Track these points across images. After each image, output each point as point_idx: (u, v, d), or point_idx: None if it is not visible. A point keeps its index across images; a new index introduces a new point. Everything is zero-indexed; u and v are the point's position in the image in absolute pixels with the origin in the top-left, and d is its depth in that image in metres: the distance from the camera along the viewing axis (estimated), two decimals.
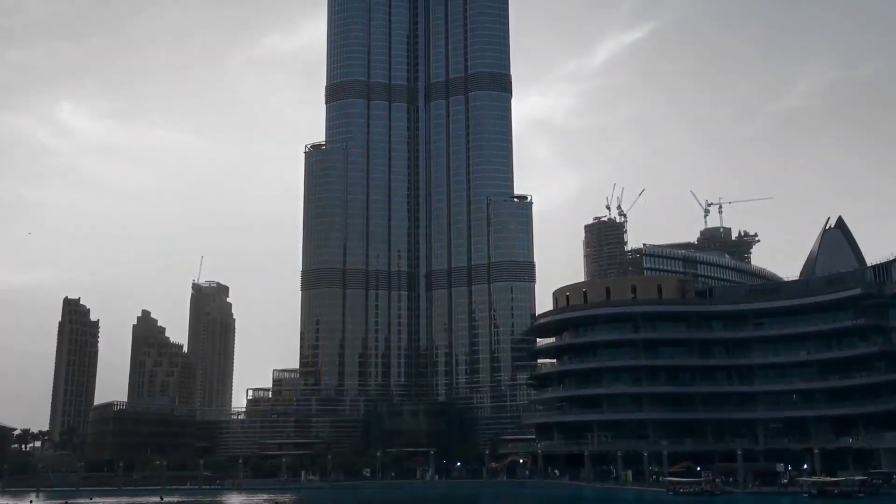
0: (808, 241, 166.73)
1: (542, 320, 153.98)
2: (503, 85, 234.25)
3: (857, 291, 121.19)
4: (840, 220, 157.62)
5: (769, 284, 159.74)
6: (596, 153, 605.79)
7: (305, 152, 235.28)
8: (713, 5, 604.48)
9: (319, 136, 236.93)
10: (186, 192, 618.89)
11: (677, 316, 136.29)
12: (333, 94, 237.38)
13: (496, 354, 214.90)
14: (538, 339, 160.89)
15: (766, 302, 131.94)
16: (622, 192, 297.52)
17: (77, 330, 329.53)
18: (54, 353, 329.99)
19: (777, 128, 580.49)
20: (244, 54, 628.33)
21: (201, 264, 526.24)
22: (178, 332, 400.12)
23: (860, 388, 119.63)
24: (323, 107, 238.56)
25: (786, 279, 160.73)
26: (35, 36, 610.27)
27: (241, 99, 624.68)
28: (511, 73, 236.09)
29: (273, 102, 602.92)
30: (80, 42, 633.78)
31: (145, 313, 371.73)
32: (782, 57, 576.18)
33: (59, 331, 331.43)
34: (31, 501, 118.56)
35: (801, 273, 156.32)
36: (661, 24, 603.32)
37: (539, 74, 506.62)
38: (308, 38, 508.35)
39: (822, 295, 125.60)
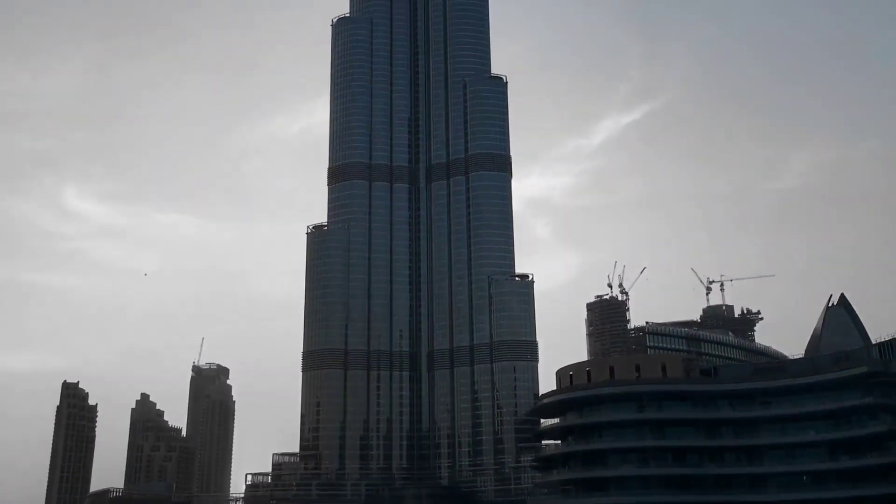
0: (811, 319, 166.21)
1: (545, 400, 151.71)
2: (503, 165, 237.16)
3: (864, 370, 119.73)
4: (843, 298, 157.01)
5: (775, 363, 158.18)
6: (596, 232, 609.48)
7: (307, 233, 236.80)
8: (708, 87, 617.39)
9: (321, 217, 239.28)
10: (188, 273, 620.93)
11: (683, 395, 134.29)
12: (335, 175, 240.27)
13: (499, 436, 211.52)
14: (542, 420, 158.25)
15: (773, 381, 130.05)
16: (623, 271, 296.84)
17: (75, 415, 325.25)
18: (51, 437, 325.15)
19: (776, 206, 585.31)
20: (248, 137, 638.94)
21: (202, 346, 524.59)
22: (177, 415, 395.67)
23: (872, 468, 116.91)
24: (325, 188, 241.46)
25: (791, 357, 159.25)
26: (43, 121, 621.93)
27: (244, 181, 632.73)
28: (510, 153, 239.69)
29: (276, 184, 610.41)
30: (86, 127, 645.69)
31: (144, 396, 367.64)
32: (778, 136, 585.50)
33: (56, 416, 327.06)
34: None
35: (806, 351, 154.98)
36: (657, 105, 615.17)
37: (538, 155, 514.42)
38: (311, 120, 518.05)
39: (828, 373, 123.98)
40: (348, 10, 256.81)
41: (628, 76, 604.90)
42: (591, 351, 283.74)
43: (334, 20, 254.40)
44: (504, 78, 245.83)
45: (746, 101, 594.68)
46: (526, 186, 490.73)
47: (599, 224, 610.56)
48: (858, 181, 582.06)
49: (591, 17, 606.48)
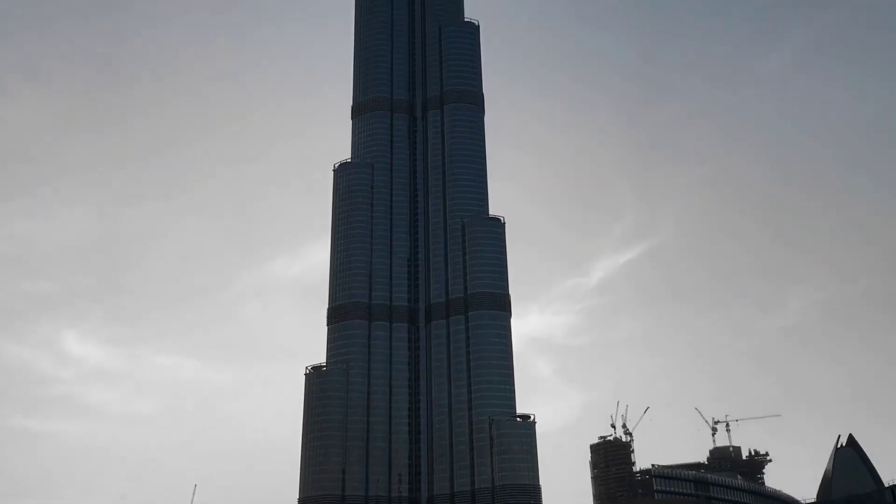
0: (820, 458, 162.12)
1: None
2: (502, 305, 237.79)
3: None
4: (851, 438, 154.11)
5: None
6: (597, 371, 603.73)
7: (306, 374, 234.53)
8: (702, 225, 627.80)
9: (320, 358, 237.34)
10: (183, 417, 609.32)
11: None
12: (335, 315, 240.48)
13: None
14: None
15: None
16: (626, 410, 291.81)
17: None
18: None
19: (777, 344, 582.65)
20: (248, 278, 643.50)
21: (194, 493, 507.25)
22: None
23: None
24: (324, 329, 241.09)
25: (803, 501, 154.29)
26: (44, 265, 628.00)
27: (243, 322, 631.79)
28: (510, 293, 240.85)
29: (275, 325, 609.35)
30: (87, 270, 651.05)
31: None
32: (775, 273, 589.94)
33: None
34: None
35: (818, 494, 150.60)
36: (653, 243, 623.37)
37: (537, 294, 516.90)
38: (311, 261, 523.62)
39: None
40: (350, 156, 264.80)
41: (623, 215, 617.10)
42: (596, 494, 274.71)
43: (336, 166, 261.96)
44: (502, 219, 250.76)
45: (741, 239, 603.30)
46: (525, 325, 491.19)
47: (600, 363, 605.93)
48: (857, 319, 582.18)
49: (585, 158, 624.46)
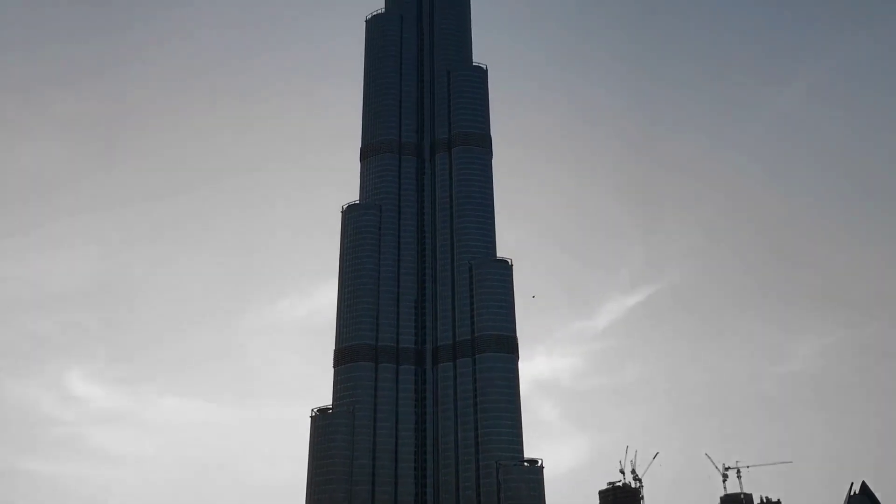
0: None
1: None
2: (510, 347, 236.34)
3: None
4: (864, 486, 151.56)
5: None
6: (605, 415, 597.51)
7: (311, 416, 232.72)
8: (710, 268, 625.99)
9: (326, 400, 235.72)
10: (187, 458, 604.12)
11: None
12: (341, 357, 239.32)
13: None
14: None
15: None
16: (635, 456, 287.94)
17: None
18: None
19: (785, 389, 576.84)
20: (254, 320, 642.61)
21: None
22: None
23: None
24: (331, 370, 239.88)
25: None
26: (51, 305, 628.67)
27: (249, 363, 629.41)
28: (517, 335, 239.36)
29: (281, 367, 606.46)
30: (93, 310, 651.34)
31: None
32: (782, 319, 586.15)
33: None
34: None
35: None
36: (660, 286, 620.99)
37: (544, 336, 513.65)
38: (318, 302, 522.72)
39: None
40: (358, 197, 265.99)
41: (630, 257, 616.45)
42: None
43: (344, 207, 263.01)
44: (509, 261, 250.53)
45: (748, 283, 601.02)
46: (533, 368, 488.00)
47: (608, 407, 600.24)
48: (867, 363, 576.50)
49: (592, 199, 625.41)
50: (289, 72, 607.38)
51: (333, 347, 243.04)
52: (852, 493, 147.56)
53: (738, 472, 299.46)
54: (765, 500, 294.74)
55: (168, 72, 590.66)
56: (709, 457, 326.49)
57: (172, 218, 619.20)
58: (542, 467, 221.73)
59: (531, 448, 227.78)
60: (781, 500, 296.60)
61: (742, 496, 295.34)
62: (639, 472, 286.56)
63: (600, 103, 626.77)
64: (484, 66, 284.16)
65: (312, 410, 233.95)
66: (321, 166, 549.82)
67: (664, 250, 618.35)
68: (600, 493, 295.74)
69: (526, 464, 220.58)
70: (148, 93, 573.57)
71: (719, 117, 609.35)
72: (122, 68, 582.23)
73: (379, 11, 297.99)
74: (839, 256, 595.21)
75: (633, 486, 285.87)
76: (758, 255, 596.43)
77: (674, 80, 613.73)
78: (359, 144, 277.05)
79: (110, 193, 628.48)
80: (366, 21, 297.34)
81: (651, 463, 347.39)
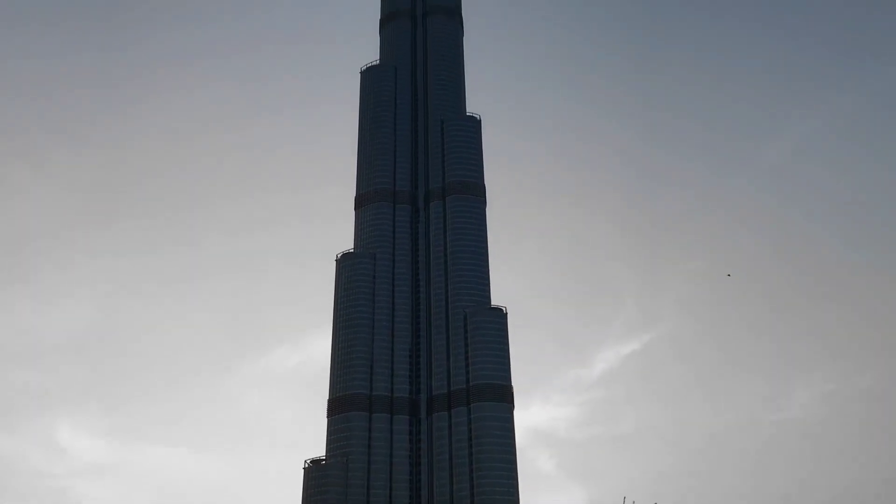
0: None
1: None
2: (505, 396, 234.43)
3: None
4: None
5: None
6: (602, 465, 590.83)
7: (304, 468, 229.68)
8: (704, 317, 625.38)
9: (320, 451, 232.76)
10: None
11: None
12: (335, 407, 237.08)
13: None
14: None
15: None
16: None
17: None
18: None
19: (784, 438, 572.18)
20: (247, 369, 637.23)
21: None
22: None
23: None
24: (324, 420, 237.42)
25: None
26: (43, 357, 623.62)
27: (241, 414, 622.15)
28: (512, 384, 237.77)
29: (274, 417, 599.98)
30: (86, 362, 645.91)
31: None
32: (780, 366, 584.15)
33: None
34: None
35: None
36: (656, 335, 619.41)
37: (539, 385, 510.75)
38: (311, 352, 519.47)
39: None
40: (352, 246, 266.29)
41: (625, 305, 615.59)
42: None
43: (338, 256, 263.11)
44: (504, 309, 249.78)
45: (744, 330, 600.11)
46: (528, 417, 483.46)
47: (605, 457, 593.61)
48: (865, 411, 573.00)
49: (586, 247, 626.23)
50: (284, 122, 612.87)
51: (327, 397, 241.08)
52: None
53: None
54: None
55: (165, 124, 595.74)
56: None
57: (166, 269, 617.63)
58: None
59: (528, 499, 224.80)
60: None
61: None
62: None
63: (595, 154, 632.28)
64: (477, 116, 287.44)
65: (305, 461, 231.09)
66: (316, 215, 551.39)
67: (659, 298, 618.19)
68: None
69: None
70: (146, 146, 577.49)
71: (711, 171, 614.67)
72: (121, 123, 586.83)
73: (374, 63, 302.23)
74: (832, 306, 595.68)
75: None
76: (754, 302, 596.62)
77: (670, 128, 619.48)
78: (353, 193, 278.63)
79: (104, 245, 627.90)
80: (361, 72, 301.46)
81: None
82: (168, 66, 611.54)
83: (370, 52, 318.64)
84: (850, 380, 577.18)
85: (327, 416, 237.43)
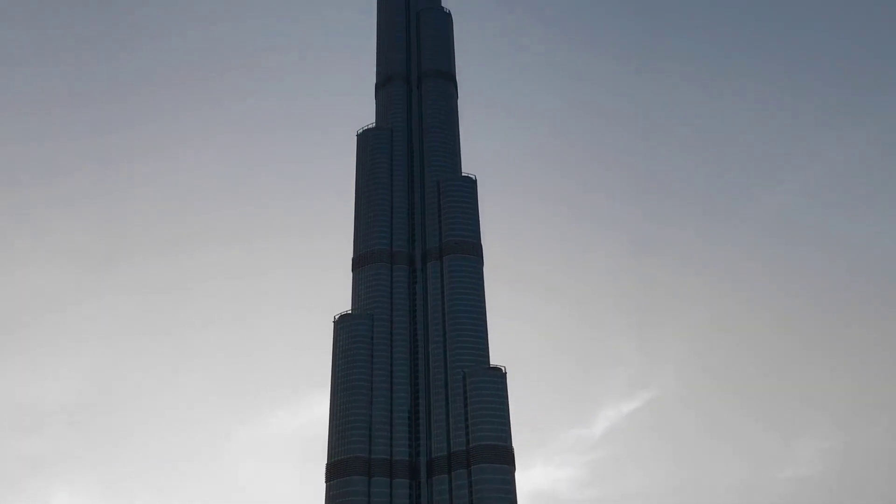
0: None
1: None
2: (505, 458, 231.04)
3: None
4: None
5: None
6: None
7: None
8: (706, 373, 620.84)
9: None
10: None
11: None
12: (333, 471, 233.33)
13: None
14: None
15: None
16: None
17: None
18: None
19: (789, 496, 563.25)
20: (245, 435, 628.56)
21: None
22: None
23: None
24: (323, 485, 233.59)
25: None
26: (39, 425, 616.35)
27: (239, 481, 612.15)
28: (513, 445, 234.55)
29: (273, 483, 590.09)
30: (81, 430, 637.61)
31: None
32: (783, 424, 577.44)
33: None
34: None
35: None
36: (657, 392, 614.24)
37: (540, 446, 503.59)
38: (309, 415, 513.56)
39: None
40: (350, 307, 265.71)
41: (625, 363, 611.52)
42: None
43: (336, 317, 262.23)
44: (503, 369, 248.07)
45: (744, 387, 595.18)
46: (529, 478, 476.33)
47: None
48: (867, 468, 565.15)
49: (585, 305, 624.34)
50: (281, 185, 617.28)
51: (325, 461, 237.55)
52: None
53: None
54: None
55: (162, 187, 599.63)
56: None
57: (161, 335, 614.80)
58: None
59: None
60: None
61: None
62: None
63: (591, 210, 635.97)
64: (473, 177, 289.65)
65: None
66: (313, 277, 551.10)
67: (660, 355, 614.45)
68: None
69: None
70: (141, 211, 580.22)
71: (712, 221, 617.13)
72: (116, 188, 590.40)
73: (369, 125, 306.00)
74: (836, 360, 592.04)
75: None
76: (754, 359, 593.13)
77: (667, 179, 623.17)
78: (350, 255, 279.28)
79: (100, 311, 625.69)
80: (357, 135, 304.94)
81: None
82: (166, 125, 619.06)
83: (366, 115, 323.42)
84: (852, 436, 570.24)
85: (326, 481, 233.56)
